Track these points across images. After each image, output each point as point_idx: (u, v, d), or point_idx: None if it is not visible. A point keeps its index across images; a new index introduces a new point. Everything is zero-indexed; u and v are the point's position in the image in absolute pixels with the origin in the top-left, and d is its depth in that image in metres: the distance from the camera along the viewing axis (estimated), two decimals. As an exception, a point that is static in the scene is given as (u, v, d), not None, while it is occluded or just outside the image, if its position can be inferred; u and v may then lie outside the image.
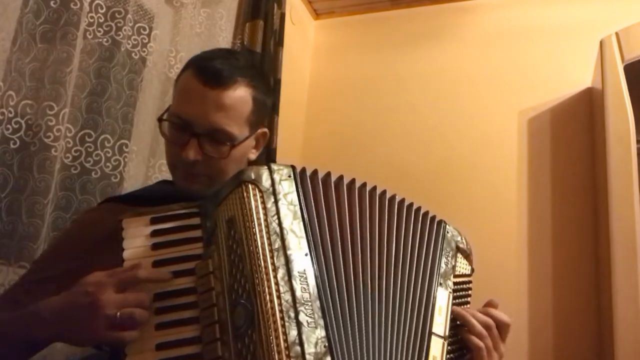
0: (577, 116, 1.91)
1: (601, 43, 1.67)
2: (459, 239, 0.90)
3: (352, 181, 0.82)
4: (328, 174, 0.80)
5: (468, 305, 0.88)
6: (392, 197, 0.85)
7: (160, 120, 0.94)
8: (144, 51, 1.45)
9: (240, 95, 0.91)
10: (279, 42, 1.94)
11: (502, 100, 2.03)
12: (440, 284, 0.82)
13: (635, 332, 1.39)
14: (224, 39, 1.76)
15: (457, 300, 0.85)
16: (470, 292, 0.89)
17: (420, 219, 0.87)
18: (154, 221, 0.77)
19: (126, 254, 0.74)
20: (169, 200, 0.84)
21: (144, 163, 1.47)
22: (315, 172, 0.79)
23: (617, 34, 1.64)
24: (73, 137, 1.28)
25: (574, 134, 1.90)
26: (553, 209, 1.86)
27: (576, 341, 1.72)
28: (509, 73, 2.04)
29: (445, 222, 0.90)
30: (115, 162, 1.35)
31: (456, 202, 1.97)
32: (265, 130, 1.00)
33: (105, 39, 1.36)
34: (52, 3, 1.24)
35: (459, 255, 0.89)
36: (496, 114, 2.02)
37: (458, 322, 0.83)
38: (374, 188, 0.84)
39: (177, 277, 0.72)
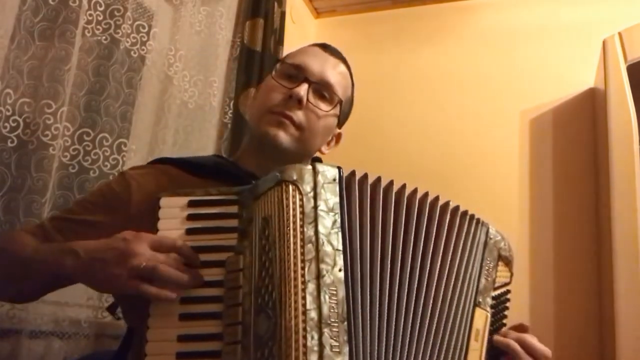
0: (580, 116, 1.90)
1: (604, 43, 1.67)
2: (502, 244, 0.82)
3: (403, 187, 0.77)
4: (378, 179, 0.75)
5: (506, 312, 0.82)
6: (454, 209, 0.79)
7: (278, 61, 1.01)
8: (143, 49, 1.44)
9: (348, 76, 1.02)
10: (279, 41, 1.93)
11: (504, 100, 2.02)
12: (479, 303, 0.76)
13: (637, 333, 1.38)
14: (223, 37, 1.75)
15: (497, 316, 0.80)
16: (508, 302, 0.82)
17: (460, 224, 0.78)
18: (191, 204, 0.73)
19: (160, 235, 0.72)
20: (223, 172, 0.87)
21: (142, 162, 1.46)
22: (365, 177, 0.74)
23: (620, 34, 1.63)
24: (71, 136, 1.28)
25: (576, 134, 1.89)
26: (555, 209, 1.85)
27: (578, 342, 1.71)
28: (511, 73, 2.03)
29: (487, 226, 0.81)
30: (114, 161, 1.34)
31: (457, 202, 1.95)
32: (341, 132, 1.04)
33: (104, 37, 1.35)
34: (50, 0, 1.23)
35: (500, 263, 0.81)
36: (498, 114, 2.01)
37: (496, 346, 0.78)
38: (426, 194, 0.79)
39: (207, 267, 0.70)
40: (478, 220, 0.81)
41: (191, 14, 1.64)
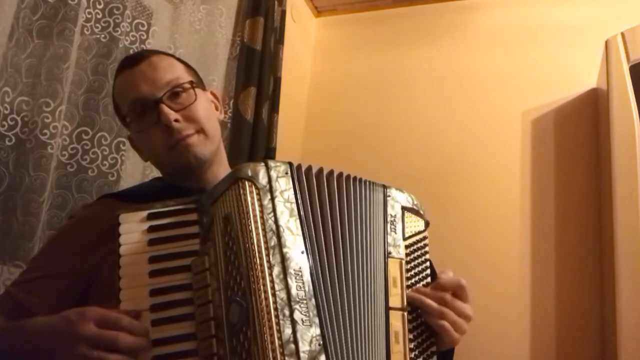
0: (582, 117, 1.89)
1: (607, 43, 1.66)
2: (402, 199, 0.87)
3: (340, 174, 0.82)
4: (321, 170, 0.80)
5: (427, 256, 0.86)
6: (354, 179, 0.83)
7: (124, 123, 0.98)
8: (142, 48, 1.43)
9: (164, 58, 0.98)
10: (280, 40, 1.92)
11: (506, 101, 2.01)
12: (390, 253, 0.81)
13: (639, 337, 1.37)
14: (223, 35, 1.74)
15: (415, 262, 0.84)
16: (427, 247, 0.87)
17: (362, 193, 0.83)
18: (151, 217, 0.77)
19: (123, 250, 0.74)
20: (165, 197, 0.85)
21: (141, 161, 1.44)
22: (309, 169, 0.79)
23: (622, 34, 1.62)
24: (69, 135, 1.27)
25: (579, 135, 1.89)
26: (557, 210, 1.85)
27: (579, 345, 1.70)
28: (513, 73, 2.03)
29: (385, 187, 0.86)
30: (112, 160, 1.33)
31: (459, 203, 1.95)
32: (214, 91, 1.05)
33: (102, 35, 1.35)
34: (49, -2, 1.23)
35: (407, 215, 0.86)
36: (500, 114, 2.00)
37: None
38: (347, 176, 0.83)
39: (173, 273, 0.73)
40: (372, 183, 0.86)
41: (191, 12, 1.63)
